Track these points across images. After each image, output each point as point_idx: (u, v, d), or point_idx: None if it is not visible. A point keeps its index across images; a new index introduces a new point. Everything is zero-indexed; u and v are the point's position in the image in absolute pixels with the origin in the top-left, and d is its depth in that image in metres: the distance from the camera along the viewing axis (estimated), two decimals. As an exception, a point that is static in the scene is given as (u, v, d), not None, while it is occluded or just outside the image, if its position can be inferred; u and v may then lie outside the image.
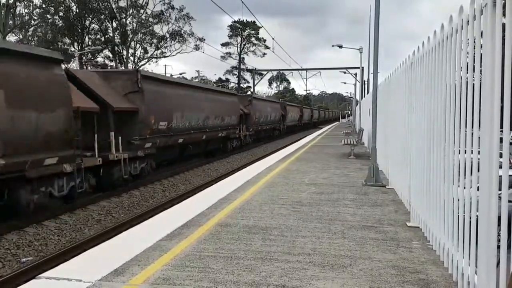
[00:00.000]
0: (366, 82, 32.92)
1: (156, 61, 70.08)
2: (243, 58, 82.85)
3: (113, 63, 50.71)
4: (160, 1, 52.15)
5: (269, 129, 38.07)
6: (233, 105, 25.81)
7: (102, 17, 50.15)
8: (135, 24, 51.56)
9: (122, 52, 51.38)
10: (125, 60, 50.65)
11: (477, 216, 3.34)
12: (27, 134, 9.06)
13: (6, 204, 9.26)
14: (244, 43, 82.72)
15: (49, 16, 46.96)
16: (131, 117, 13.96)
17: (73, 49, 47.67)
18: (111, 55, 51.18)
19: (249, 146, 30.57)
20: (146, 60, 54.63)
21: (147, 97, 14.53)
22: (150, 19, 52.50)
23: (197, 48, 56.91)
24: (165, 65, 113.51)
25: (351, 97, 64.14)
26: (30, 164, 9.12)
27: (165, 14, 52.93)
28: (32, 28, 47.79)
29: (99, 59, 51.46)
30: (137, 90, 14.16)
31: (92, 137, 12.07)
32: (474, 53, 3.73)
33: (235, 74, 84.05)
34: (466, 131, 3.73)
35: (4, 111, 8.49)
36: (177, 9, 53.69)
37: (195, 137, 19.11)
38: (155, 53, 55.15)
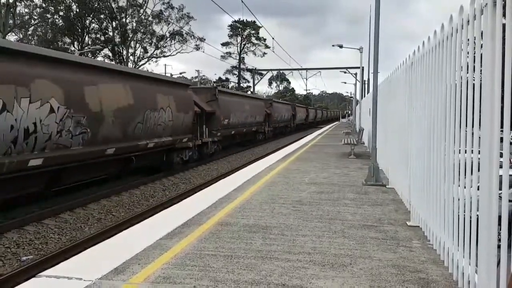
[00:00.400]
0: (366, 82, 32.93)
1: (156, 61, 70.13)
2: (243, 57, 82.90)
3: (112, 63, 50.71)
4: (159, 1, 52.20)
5: (283, 126, 45.79)
6: (261, 107, 34.32)
7: (102, 16, 50.18)
8: (134, 24, 51.57)
9: (122, 52, 51.40)
10: (125, 59, 50.65)
11: (477, 215, 3.34)
12: (179, 124, 16.96)
13: (164, 162, 17.06)
14: (244, 42, 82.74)
15: (49, 16, 46.99)
16: (211, 116, 22.08)
17: (73, 48, 47.69)
18: (111, 55, 51.19)
19: (270, 140, 38.04)
20: (146, 59, 54.68)
21: (220, 103, 22.93)
22: (150, 19, 52.53)
23: (197, 48, 57.01)
24: (165, 65, 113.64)
25: (351, 97, 64.16)
26: (178, 141, 17.09)
27: (164, 13, 52.98)
28: (32, 28, 47.81)
29: (99, 59, 51.51)
30: (215, 99, 22.54)
31: (196, 128, 19.97)
32: (474, 53, 3.73)
33: (235, 74, 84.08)
34: (466, 130, 3.73)
35: (175, 113, 16.40)
36: (176, 8, 53.74)
37: (240, 130, 27.40)
38: (155, 53, 55.19)
